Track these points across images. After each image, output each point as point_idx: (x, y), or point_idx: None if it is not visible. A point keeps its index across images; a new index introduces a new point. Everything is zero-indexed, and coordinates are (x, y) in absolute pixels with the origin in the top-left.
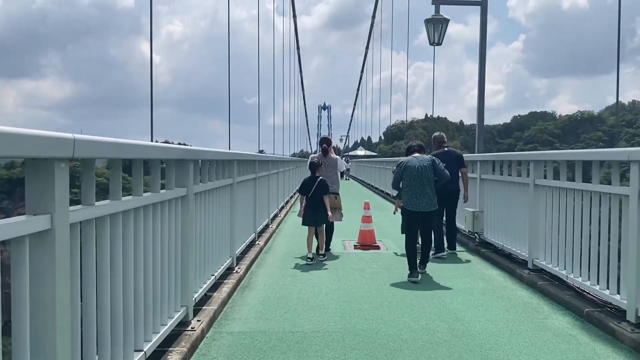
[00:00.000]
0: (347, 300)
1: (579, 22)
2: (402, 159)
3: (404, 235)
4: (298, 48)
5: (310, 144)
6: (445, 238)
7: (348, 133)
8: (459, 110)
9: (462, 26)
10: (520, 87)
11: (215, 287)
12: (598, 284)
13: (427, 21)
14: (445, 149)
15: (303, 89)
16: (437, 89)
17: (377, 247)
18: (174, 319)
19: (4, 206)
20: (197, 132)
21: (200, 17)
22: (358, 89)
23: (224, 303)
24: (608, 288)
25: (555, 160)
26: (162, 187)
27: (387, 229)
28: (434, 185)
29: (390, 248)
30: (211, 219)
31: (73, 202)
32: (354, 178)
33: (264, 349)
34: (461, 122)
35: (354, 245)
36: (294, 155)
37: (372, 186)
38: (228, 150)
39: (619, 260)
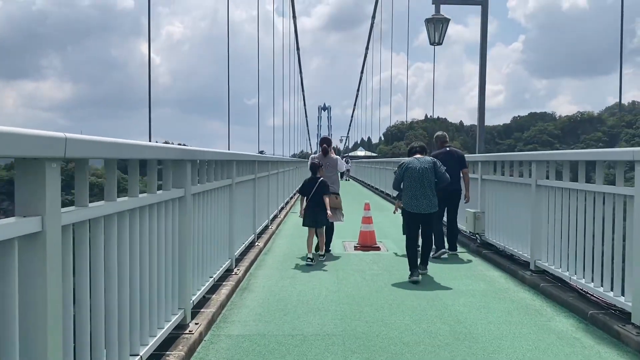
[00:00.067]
0: (348, 303)
1: (579, 23)
2: (404, 159)
3: (404, 236)
4: (298, 49)
5: (310, 145)
6: (445, 238)
7: (348, 134)
8: (459, 111)
9: (462, 27)
10: (520, 87)
11: (213, 289)
12: (602, 285)
13: (428, 21)
14: (447, 148)
15: (303, 90)
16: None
17: (378, 248)
18: (171, 322)
19: (4, 207)
20: (197, 133)
21: (200, 18)
22: (358, 90)
23: (222, 305)
24: (612, 290)
25: (558, 160)
26: (160, 188)
27: (387, 230)
28: (434, 186)
29: (391, 249)
30: (209, 220)
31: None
32: (354, 179)
33: (263, 352)
34: (461, 122)
35: (354, 247)
36: (294, 155)
37: (372, 187)
38: (227, 151)
39: (623, 262)
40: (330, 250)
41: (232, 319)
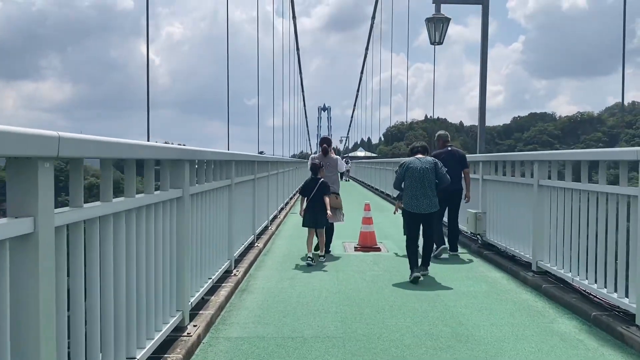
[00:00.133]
0: (348, 304)
1: (579, 23)
2: (405, 159)
3: (405, 236)
4: (298, 49)
5: (310, 145)
6: (446, 239)
7: (348, 134)
8: (459, 111)
9: (462, 27)
10: (519, 88)
11: (212, 290)
12: (605, 286)
13: (428, 20)
14: (449, 148)
15: (303, 90)
16: (437, 90)
17: (378, 249)
18: (169, 324)
19: (4, 208)
20: (197, 134)
21: (199, 19)
22: (358, 90)
23: (221, 307)
24: (616, 291)
25: (560, 160)
26: (158, 188)
27: (387, 231)
28: (435, 187)
29: (391, 250)
30: (208, 221)
31: None
32: (354, 179)
33: (262, 355)
34: (461, 123)
35: (355, 247)
36: (293, 156)
37: (372, 187)
38: (225, 151)
39: (626, 263)
40: (330, 251)
41: (231, 320)
